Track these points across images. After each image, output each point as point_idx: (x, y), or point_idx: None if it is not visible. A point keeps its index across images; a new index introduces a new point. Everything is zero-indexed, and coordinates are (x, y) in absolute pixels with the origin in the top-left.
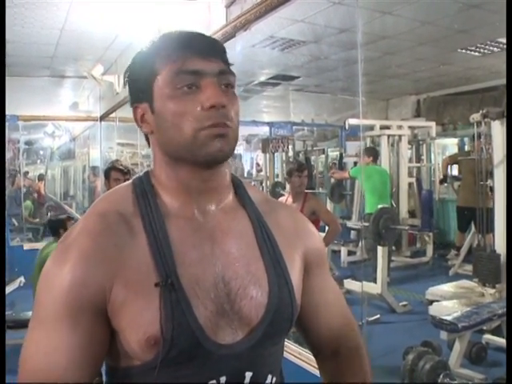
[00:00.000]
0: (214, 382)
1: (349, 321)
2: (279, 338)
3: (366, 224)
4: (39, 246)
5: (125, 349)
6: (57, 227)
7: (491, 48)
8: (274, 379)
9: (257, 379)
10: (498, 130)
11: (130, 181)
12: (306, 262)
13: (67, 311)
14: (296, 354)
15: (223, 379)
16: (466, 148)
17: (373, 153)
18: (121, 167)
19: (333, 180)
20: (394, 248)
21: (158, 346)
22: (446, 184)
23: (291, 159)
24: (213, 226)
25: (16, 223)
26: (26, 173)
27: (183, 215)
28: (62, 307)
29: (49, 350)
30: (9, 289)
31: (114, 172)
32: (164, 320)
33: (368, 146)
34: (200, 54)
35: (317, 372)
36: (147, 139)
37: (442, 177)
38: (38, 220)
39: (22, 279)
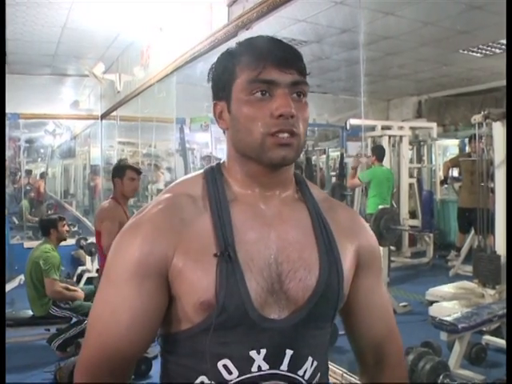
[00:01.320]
0: (255, 352)
1: (393, 332)
2: (323, 323)
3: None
4: None
5: (178, 314)
6: (48, 227)
7: (493, 49)
8: (316, 363)
9: (297, 358)
10: (500, 131)
11: (202, 170)
12: (359, 259)
13: (135, 275)
14: None
15: (263, 351)
16: (467, 149)
17: (376, 152)
18: (136, 167)
19: (334, 180)
20: (394, 248)
21: (210, 310)
22: (446, 185)
23: None
24: (272, 214)
25: (16, 221)
26: (29, 171)
27: (247, 201)
28: (131, 271)
29: (115, 308)
30: (9, 287)
31: (129, 171)
32: (218, 287)
33: (369, 146)
34: (277, 65)
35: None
36: (224, 133)
37: (442, 178)
38: (38, 218)
39: (21, 277)
